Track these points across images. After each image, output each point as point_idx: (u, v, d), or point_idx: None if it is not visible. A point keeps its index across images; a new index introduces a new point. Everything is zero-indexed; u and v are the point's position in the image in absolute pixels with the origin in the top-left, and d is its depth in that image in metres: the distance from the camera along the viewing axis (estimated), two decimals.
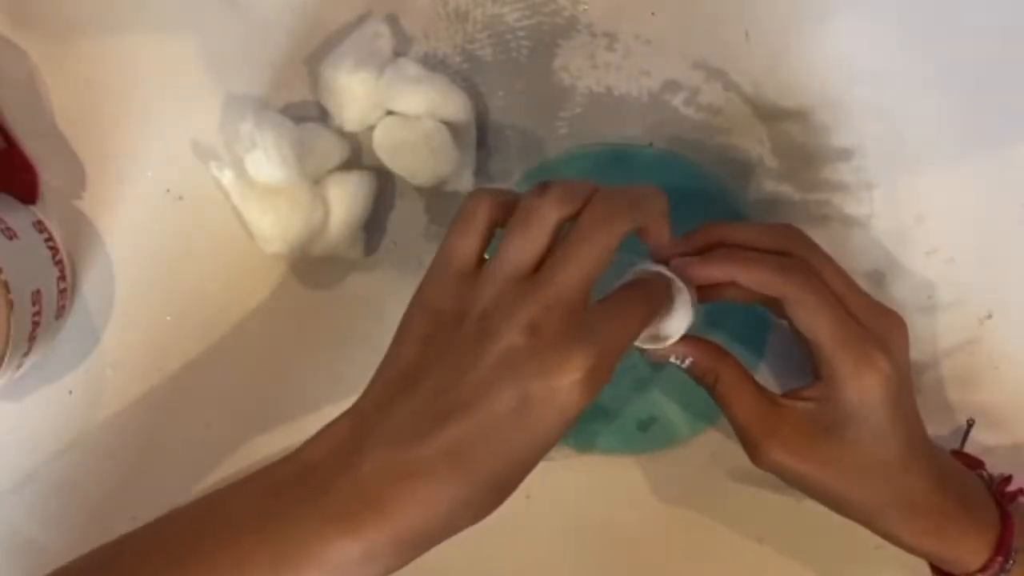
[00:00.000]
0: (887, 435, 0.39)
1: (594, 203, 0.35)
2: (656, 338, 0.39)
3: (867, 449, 0.39)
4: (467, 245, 0.36)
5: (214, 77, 0.47)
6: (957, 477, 0.42)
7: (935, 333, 0.48)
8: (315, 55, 0.47)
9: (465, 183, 0.46)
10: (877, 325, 0.39)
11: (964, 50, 0.46)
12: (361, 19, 0.47)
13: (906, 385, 0.40)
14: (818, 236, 0.47)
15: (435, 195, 0.48)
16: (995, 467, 0.48)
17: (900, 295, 0.48)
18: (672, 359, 0.41)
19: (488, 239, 0.36)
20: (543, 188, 0.35)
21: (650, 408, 0.48)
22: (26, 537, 0.49)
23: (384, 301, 0.48)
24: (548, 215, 0.35)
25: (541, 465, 0.48)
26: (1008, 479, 0.43)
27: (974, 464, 0.44)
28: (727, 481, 0.48)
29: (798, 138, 0.47)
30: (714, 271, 0.39)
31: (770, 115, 0.47)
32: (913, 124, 0.47)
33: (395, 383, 0.35)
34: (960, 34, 0.46)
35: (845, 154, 0.47)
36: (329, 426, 0.35)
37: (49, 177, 0.48)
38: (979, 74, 0.47)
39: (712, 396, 0.41)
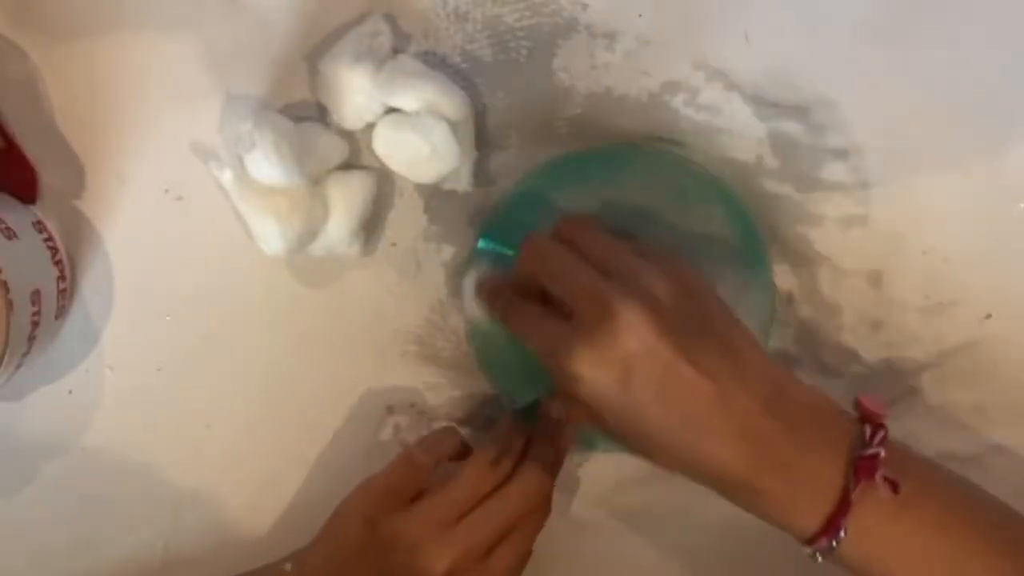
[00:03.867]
0: (636, 416, 0.38)
1: (520, 490, 0.44)
2: None
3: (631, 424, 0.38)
4: (406, 479, 0.45)
5: (214, 77, 0.47)
6: (799, 409, 0.38)
7: (935, 333, 0.48)
8: (314, 55, 0.47)
9: (464, 182, 0.46)
10: (589, 312, 0.38)
11: (962, 50, 0.46)
12: (361, 18, 0.47)
13: (640, 368, 0.37)
14: (817, 236, 0.47)
15: (434, 195, 0.48)
16: (996, 467, 0.48)
17: (899, 294, 0.48)
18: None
19: (423, 481, 0.45)
20: (496, 461, 0.44)
21: None
22: (26, 537, 0.50)
23: (383, 301, 0.48)
24: (487, 486, 0.44)
25: None
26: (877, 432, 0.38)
27: (871, 416, 0.39)
28: None
29: (798, 138, 0.47)
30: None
31: (770, 115, 0.47)
32: (911, 124, 0.47)
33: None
34: (958, 34, 0.46)
35: (843, 154, 0.47)
36: None
37: (49, 177, 0.48)
38: (977, 73, 0.47)
39: None
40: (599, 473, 0.49)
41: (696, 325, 0.38)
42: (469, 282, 0.46)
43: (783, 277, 0.48)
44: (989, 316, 0.47)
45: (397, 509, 0.44)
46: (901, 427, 0.48)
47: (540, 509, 0.45)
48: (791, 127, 0.47)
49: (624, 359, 0.37)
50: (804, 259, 0.48)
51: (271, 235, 0.45)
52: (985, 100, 0.47)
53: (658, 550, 0.49)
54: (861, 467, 0.37)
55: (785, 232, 0.47)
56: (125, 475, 0.49)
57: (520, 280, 0.42)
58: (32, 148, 0.47)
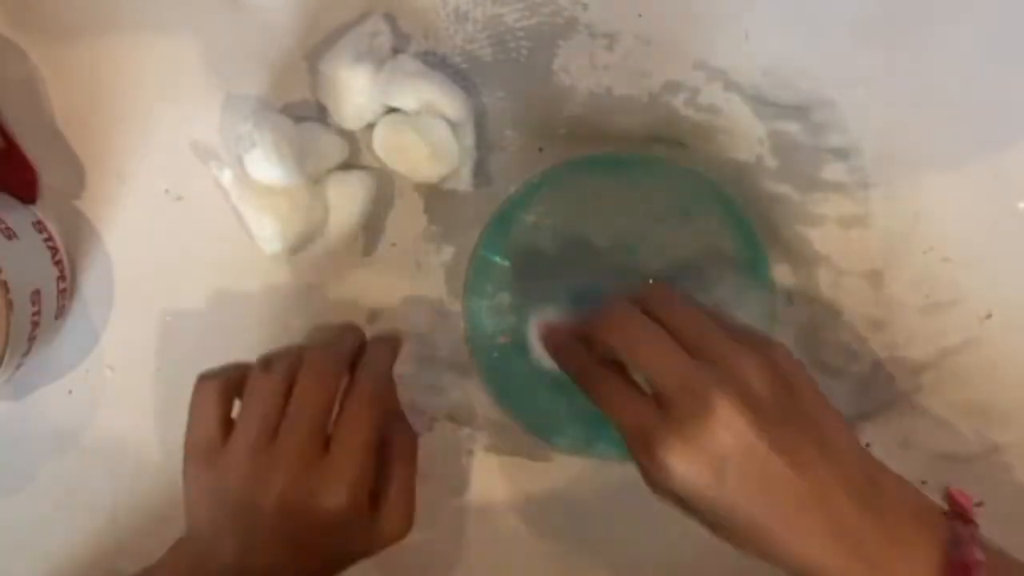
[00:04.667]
0: (727, 510, 0.37)
1: (307, 370, 0.41)
2: None
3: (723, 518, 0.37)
4: (207, 429, 0.41)
5: (214, 77, 0.47)
6: (891, 504, 0.38)
7: (935, 333, 0.48)
8: (314, 54, 0.47)
9: (464, 182, 0.46)
10: (684, 404, 0.37)
11: (962, 49, 0.46)
12: (361, 18, 0.47)
13: (741, 456, 0.36)
14: (817, 236, 0.47)
15: (434, 195, 0.48)
16: (996, 467, 0.48)
17: (899, 294, 0.48)
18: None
19: (225, 415, 0.42)
20: (267, 364, 0.41)
21: None
22: (26, 537, 0.50)
23: (382, 301, 0.48)
24: (276, 388, 0.40)
25: (540, 466, 0.49)
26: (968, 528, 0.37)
27: (963, 512, 0.39)
28: None
29: (797, 138, 0.47)
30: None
31: (770, 115, 0.47)
32: (911, 124, 0.47)
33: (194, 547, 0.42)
34: (958, 34, 0.46)
35: (843, 154, 0.47)
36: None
37: (49, 177, 0.48)
38: (976, 74, 0.47)
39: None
40: (599, 476, 0.49)
41: (792, 417, 0.37)
42: (534, 326, 0.46)
43: (783, 277, 0.48)
44: (989, 316, 0.47)
45: (214, 455, 0.41)
46: (901, 427, 0.48)
47: (365, 398, 0.42)
48: (791, 127, 0.47)
49: (720, 456, 0.36)
50: (804, 259, 0.48)
51: (271, 235, 0.45)
52: (985, 100, 0.47)
53: (661, 553, 0.49)
54: (957, 571, 0.36)
55: (785, 232, 0.47)
56: (125, 475, 0.49)
57: (596, 346, 0.41)
58: (32, 148, 0.47)
